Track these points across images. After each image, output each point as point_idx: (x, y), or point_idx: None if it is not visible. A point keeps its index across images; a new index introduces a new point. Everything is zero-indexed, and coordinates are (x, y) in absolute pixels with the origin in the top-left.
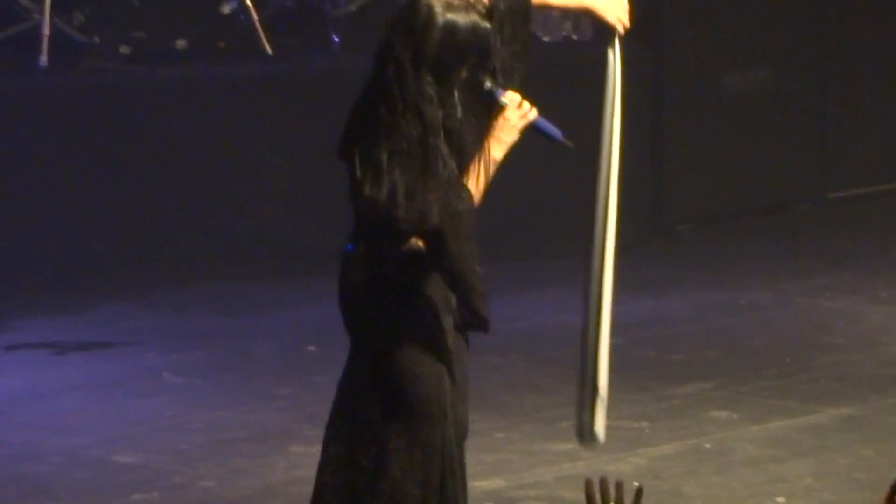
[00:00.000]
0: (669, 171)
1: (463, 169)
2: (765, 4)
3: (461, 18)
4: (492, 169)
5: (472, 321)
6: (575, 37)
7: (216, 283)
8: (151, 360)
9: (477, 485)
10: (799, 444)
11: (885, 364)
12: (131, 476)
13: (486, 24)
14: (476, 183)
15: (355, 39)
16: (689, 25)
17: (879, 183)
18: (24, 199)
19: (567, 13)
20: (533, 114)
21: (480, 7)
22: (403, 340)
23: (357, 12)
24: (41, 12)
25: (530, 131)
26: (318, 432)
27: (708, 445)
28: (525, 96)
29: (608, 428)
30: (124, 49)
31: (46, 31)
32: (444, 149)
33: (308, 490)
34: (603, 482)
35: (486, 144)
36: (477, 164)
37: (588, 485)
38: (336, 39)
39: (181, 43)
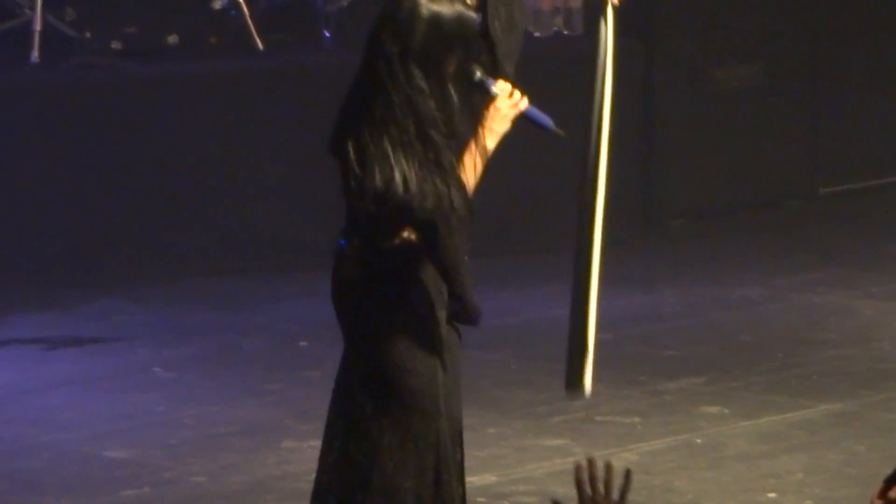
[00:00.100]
0: (661, 166)
1: (458, 160)
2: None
3: (446, 9)
4: (484, 159)
5: (462, 313)
6: (566, 32)
7: (207, 279)
8: (143, 356)
9: (468, 480)
10: (790, 439)
11: (877, 359)
12: (122, 471)
13: (472, 14)
14: (469, 173)
15: (347, 35)
16: (681, 20)
17: (871, 178)
18: (14, 193)
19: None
20: (524, 103)
21: None
22: (397, 335)
23: (348, 8)
24: (33, 8)
25: (522, 121)
26: (310, 427)
27: (699, 440)
28: (516, 86)
29: (600, 423)
30: (116, 44)
31: (38, 26)
32: (441, 140)
33: (299, 485)
34: (591, 464)
35: (478, 134)
36: (469, 154)
37: (578, 470)
38: (327, 35)
39: (173, 38)
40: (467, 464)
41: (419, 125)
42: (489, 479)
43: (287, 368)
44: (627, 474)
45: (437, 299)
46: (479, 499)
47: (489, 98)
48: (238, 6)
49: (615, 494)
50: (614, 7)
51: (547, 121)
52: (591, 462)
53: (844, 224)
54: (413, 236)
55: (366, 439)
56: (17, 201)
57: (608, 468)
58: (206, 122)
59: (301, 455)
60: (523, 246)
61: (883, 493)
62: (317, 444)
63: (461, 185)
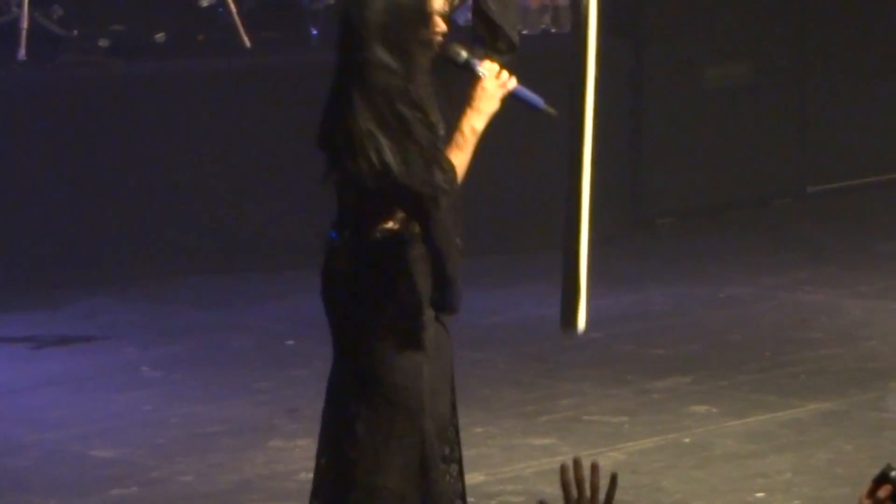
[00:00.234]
0: (649, 165)
1: (439, 140)
2: None
3: None
4: (473, 140)
5: (439, 301)
6: (554, 30)
7: (195, 278)
8: (130, 355)
9: None
10: (779, 438)
11: (865, 358)
12: (110, 470)
13: None
14: (458, 155)
15: (333, 32)
16: (669, 20)
17: (859, 177)
18: (1, 192)
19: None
20: (512, 82)
21: None
22: (383, 330)
23: (335, 5)
24: (20, 5)
25: (512, 101)
26: (298, 427)
27: (687, 440)
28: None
29: (588, 422)
30: (103, 42)
31: (25, 24)
32: (412, 114)
33: (287, 485)
34: (577, 465)
35: (466, 115)
36: (458, 135)
37: (563, 471)
38: (314, 32)
39: (160, 36)
40: None
41: (390, 102)
42: (477, 478)
43: (274, 367)
44: (613, 479)
45: (424, 295)
46: (467, 498)
47: (476, 79)
48: (225, 4)
49: (601, 497)
50: None
51: (537, 100)
52: (576, 463)
53: (833, 223)
54: (400, 227)
55: (352, 436)
56: (3, 200)
57: (594, 469)
58: (194, 119)
59: (289, 454)
60: (511, 245)
61: (871, 493)
62: (305, 443)
63: (446, 163)
